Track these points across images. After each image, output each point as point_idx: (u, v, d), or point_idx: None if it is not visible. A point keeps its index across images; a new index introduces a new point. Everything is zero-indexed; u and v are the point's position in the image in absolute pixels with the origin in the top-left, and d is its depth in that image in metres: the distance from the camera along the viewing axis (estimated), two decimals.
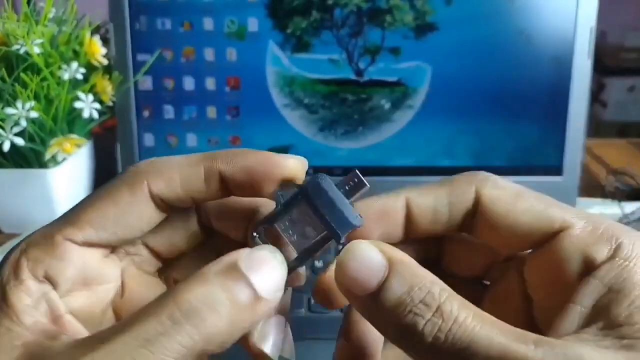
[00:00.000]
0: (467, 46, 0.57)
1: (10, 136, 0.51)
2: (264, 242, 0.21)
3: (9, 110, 0.51)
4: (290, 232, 0.21)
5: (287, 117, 0.58)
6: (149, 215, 0.21)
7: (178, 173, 0.21)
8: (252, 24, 0.57)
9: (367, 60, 0.57)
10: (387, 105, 0.58)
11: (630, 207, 0.60)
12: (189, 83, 0.58)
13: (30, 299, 0.19)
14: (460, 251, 0.24)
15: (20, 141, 0.52)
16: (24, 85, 0.52)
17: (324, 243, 0.21)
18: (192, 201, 0.21)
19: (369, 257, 0.19)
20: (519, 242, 0.21)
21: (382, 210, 0.22)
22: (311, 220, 0.21)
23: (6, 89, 0.52)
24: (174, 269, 0.25)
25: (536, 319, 0.22)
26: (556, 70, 0.57)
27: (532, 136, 0.58)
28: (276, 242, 0.21)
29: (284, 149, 0.58)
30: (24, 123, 0.51)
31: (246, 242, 0.23)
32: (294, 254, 0.21)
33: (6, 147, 0.51)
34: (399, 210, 0.22)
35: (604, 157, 0.80)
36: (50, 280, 0.20)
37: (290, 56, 0.57)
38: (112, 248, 0.22)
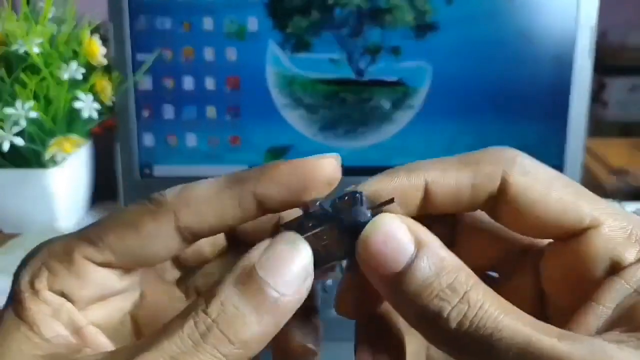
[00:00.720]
0: (468, 46, 0.57)
1: (10, 136, 0.51)
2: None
3: (9, 110, 0.51)
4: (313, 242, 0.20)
5: (287, 117, 0.58)
6: (174, 246, 0.20)
7: (209, 204, 0.19)
8: (252, 24, 0.56)
9: (368, 60, 0.57)
10: (387, 105, 0.58)
11: (631, 207, 0.59)
12: (188, 83, 0.58)
13: (50, 310, 0.19)
14: (473, 239, 0.23)
15: (19, 141, 0.52)
16: (24, 85, 0.51)
17: (340, 261, 0.20)
18: (228, 228, 0.20)
19: (397, 234, 0.18)
20: (543, 233, 0.21)
21: (397, 192, 0.21)
22: (334, 240, 0.20)
23: (5, 89, 0.52)
24: (196, 276, 0.24)
25: (549, 316, 0.21)
26: (557, 70, 0.57)
27: (532, 136, 0.58)
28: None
29: (284, 149, 0.58)
30: (23, 123, 0.51)
31: None
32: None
33: (6, 147, 0.51)
34: (416, 193, 0.21)
35: (605, 156, 0.80)
36: (67, 296, 0.19)
37: (290, 56, 0.57)
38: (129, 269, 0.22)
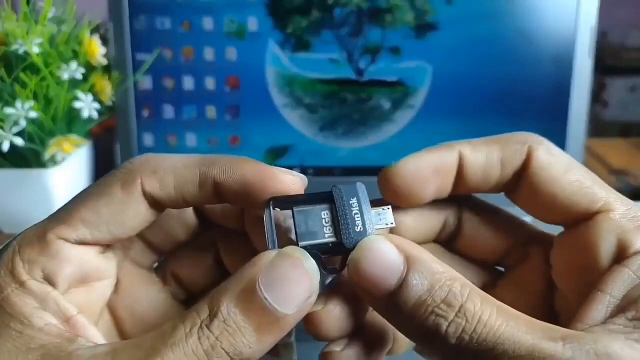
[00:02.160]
0: (468, 46, 0.57)
1: (10, 136, 0.51)
2: (273, 222, 0.20)
3: (8, 110, 0.51)
4: (302, 222, 0.20)
5: (287, 116, 0.58)
6: (143, 213, 0.20)
7: (172, 174, 0.20)
8: (252, 24, 0.56)
9: (368, 60, 0.57)
10: (387, 105, 0.58)
11: None
12: (188, 83, 0.57)
13: (36, 301, 0.19)
14: (479, 232, 0.23)
15: (19, 141, 0.52)
16: (23, 85, 0.51)
17: (332, 251, 0.20)
18: (184, 203, 0.21)
19: (385, 254, 0.18)
20: (558, 214, 0.21)
21: (437, 165, 0.21)
22: (327, 223, 0.20)
23: (5, 88, 0.52)
24: (171, 262, 0.24)
25: (557, 307, 0.21)
26: (557, 70, 0.57)
27: None
28: (280, 228, 0.20)
29: (283, 149, 0.58)
30: (23, 123, 0.51)
31: (243, 230, 0.23)
32: (295, 244, 0.20)
33: (5, 147, 0.51)
34: (452, 165, 0.21)
35: (605, 157, 0.80)
36: (48, 280, 0.19)
37: (290, 56, 0.57)
38: (107, 245, 0.22)
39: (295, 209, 0.20)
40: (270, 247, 0.19)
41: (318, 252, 0.19)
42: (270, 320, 0.17)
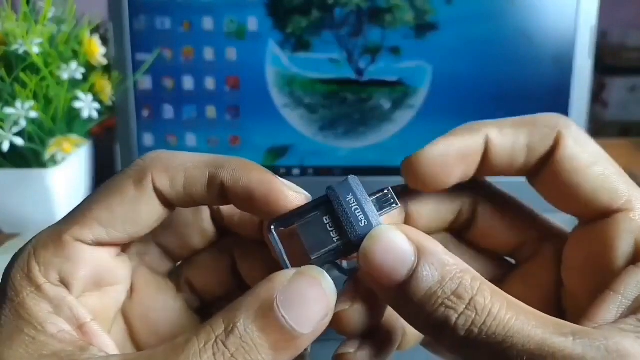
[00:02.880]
0: (468, 46, 0.57)
1: (10, 136, 0.51)
2: (280, 244, 0.20)
3: (8, 110, 0.51)
4: (308, 235, 0.20)
5: (287, 116, 0.58)
6: (156, 210, 0.20)
7: (183, 172, 0.20)
8: (252, 24, 0.56)
9: (368, 60, 0.57)
10: (387, 105, 0.58)
11: None
12: (188, 83, 0.57)
13: (51, 306, 0.18)
14: (493, 224, 0.23)
15: (19, 141, 0.52)
16: (23, 85, 0.51)
17: (345, 252, 0.20)
18: (192, 202, 0.21)
19: (396, 244, 0.18)
20: (577, 206, 0.21)
21: (463, 150, 0.21)
22: (331, 226, 0.20)
23: (5, 88, 0.52)
24: (186, 268, 0.24)
25: (564, 304, 0.21)
26: (557, 70, 0.57)
27: None
28: (292, 242, 0.20)
29: (284, 149, 0.58)
30: (23, 123, 0.51)
31: (261, 238, 0.23)
32: (308, 259, 0.20)
33: (5, 147, 0.51)
34: (478, 150, 0.21)
35: None
36: (63, 282, 0.19)
37: (290, 56, 0.57)
38: (123, 247, 0.22)
39: (298, 224, 0.20)
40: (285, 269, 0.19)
41: (332, 259, 0.19)
42: (287, 339, 0.17)
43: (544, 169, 0.21)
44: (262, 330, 0.17)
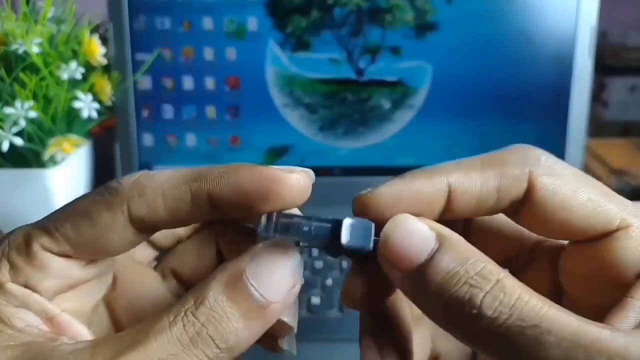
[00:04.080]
0: (468, 45, 0.56)
1: (9, 136, 0.51)
2: (269, 231, 0.18)
3: (8, 110, 0.51)
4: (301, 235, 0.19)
5: (287, 116, 0.58)
6: (129, 238, 0.19)
7: (162, 196, 0.18)
8: (252, 23, 0.56)
9: (368, 60, 0.57)
10: (387, 105, 0.58)
11: None
12: (188, 82, 0.57)
13: (18, 301, 0.18)
14: (484, 237, 0.22)
15: (19, 141, 0.52)
16: (23, 85, 0.51)
17: (322, 233, 0.19)
18: (180, 223, 0.19)
19: (417, 228, 0.18)
20: (570, 236, 0.20)
21: (417, 199, 0.19)
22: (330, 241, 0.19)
23: (5, 88, 0.52)
24: (171, 257, 0.24)
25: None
26: (557, 70, 0.57)
27: (533, 136, 0.58)
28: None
29: (283, 149, 0.58)
30: (22, 123, 0.51)
31: (245, 226, 0.22)
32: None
33: (5, 147, 0.51)
34: (438, 198, 0.19)
35: (605, 157, 0.80)
36: (30, 289, 0.19)
37: (290, 55, 0.57)
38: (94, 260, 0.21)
39: (297, 220, 0.19)
40: (263, 217, 0.19)
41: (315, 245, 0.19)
42: (257, 308, 0.17)
43: (523, 208, 0.20)
44: (232, 300, 0.17)
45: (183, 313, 0.17)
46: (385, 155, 0.59)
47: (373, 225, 0.19)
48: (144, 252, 0.24)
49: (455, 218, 0.20)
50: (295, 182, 0.19)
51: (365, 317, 0.21)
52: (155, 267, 0.24)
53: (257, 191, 0.18)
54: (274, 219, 0.18)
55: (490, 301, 0.16)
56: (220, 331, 0.17)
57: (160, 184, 0.19)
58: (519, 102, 0.57)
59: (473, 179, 0.19)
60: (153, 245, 0.24)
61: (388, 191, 0.19)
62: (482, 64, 0.57)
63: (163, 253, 0.24)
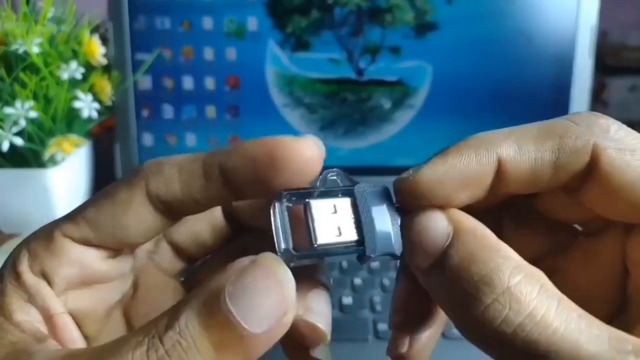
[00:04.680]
0: (468, 45, 0.56)
1: (9, 136, 0.51)
2: (282, 220, 0.17)
3: (8, 110, 0.51)
4: (321, 218, 0.17)
5: (287, 116, 0.58)
6: (147, 218, 0.18)
7: (177, 171, 0.18)
8: (252, 23, 0.56)
9: (368, 60, 0.57)
10: (387, 105, 0.58)
11: None
12: (188, 82, 0.57)
13: (27, 295, 0.18)
14: (558, 196, 0.20)
15: (19, 141, 0.52)
16: (23, 85, 0.51)
17: (351, 254, 0.18)
18: (194, 202, 0.18)
19: (433, 221, 0.17)
20: (635, 218, 0.17)
21: (467, 176, 0.17)
22: (347, 220, 0.17)
23: (5, 88, 0.52)
24: (197, 268, 0.23)
25: (630, 292, 0.19)
26: (557, 70, 0.56)
27: None
28: (297, 223, 0.17)
29: None
30: (23, 123, 0.51)
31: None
32: (310, 245, 0.17)
33: (5, 146, 0.51)
34: (488, 175, 0.17)
35: None
36: (45, 277, 0.19)
37: (290, 55, 0.57)
38: (114, 252, 0.20)
39: (311, 200, 0.17)
40: (281, 247, 0.17)
41: (335, 253, 0.17)
42: (234, 338, 0.15)
43: (585, 185, 0.17)
44: (205, 326, 0.15)
45: (152, 335, 0.15)
46: (386, 155, 0.58)
47: (398, 225, 0.18)
48: (172, 264, 0.23)
49: (505, 194, 0.18)
50: (305, 149, 0.17)
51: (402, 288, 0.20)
52: (182, 279, 0.23)
53: (265, 157, 0.17)
54: (284, 197, 0.17)
55: (492, 316, 0.14)
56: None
57: (177, 161, 0.18)
58: (519, 102, 0.57)
59: (526, 152, 0.17)
60: (180, 255, 0.23)
61: (432, 175, 0.17)
62: (482, 64, 0.57)
63: (190, 266, 0.23)
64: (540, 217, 0.21)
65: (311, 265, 0.19)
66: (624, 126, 0.17)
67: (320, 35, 0.56)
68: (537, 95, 0.57)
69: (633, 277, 0.19)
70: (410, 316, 0.20)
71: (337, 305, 0.46)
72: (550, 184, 0.18)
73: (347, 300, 0.45)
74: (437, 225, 0.17)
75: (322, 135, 0.58)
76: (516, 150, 0.17)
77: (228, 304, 0.15)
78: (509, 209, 0.21)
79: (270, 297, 0.15)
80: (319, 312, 0.19)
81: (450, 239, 0.16)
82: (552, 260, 0.21)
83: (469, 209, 0.18)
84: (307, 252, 0.17)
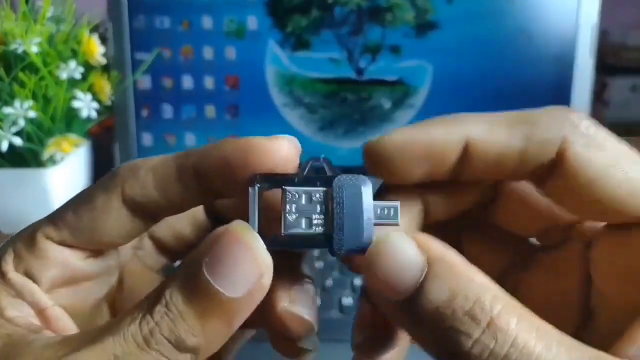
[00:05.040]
0: (468, 45, 0.56)
1: (9, 136, 0.51)
2: (258, 201, 0.17)
3: (7, 110, 0.51)
4: (292, 205, 0.17)
5: (287, 116, 0.58)
6: (126, 222, 0.19)
7: (151, 173, 0.18)
8: (252, 23, 0.56)
9: (368, 59, 0.57)
10: (387, 105, 0.58)
11: None
12: (187, 82, 0.57)
13: (14, 291, 0.18)
14: (516, 206, 0.20)
15: (18, 141, 0.52)
16: (22, 85, 0.51)
17: (318, 246, 0.17)
18: (171, 206, 0.19)
19: (404, 252, 0.15)
20: (600, 217, 0.18)
21: (428, 148, 0.17)
22: (319, 212, 0.17)
23: (4, 88, 0.52)
24: (180, 263, 0.24)
25: (593, 303, 0.19)
26: (558, 69, 0.56)
27: None
28: (271, 207, 0.18)
29: None
30: (22, 122, 0.51)
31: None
32: (279, 231, 0.17)
33: (4, 146, 0.51)
34: (452, 151, 0.17)
35: None
36: (30, 278, 0.19)
37: (290, 55, 0.57)
38: (96, 252, 0.21)
39: (286, 188, 0.17)
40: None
41: (301, 245, 0.17)
42: (216, 305, 0.16)
43: (550, 178, 0.18)
44: (188, 297, 0.16)
45: (142, 310, 0.16)
46: None
47: (372, 222, 0.17)
48: (156, 259, 0.23)
49: (469, 180, 0.18)
50: (280, 149, 0.17)
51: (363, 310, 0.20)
52: (166, 277, 0.23)
53: (238, 159, 0.17)
54: (257, 179, 0.17)
55: (479, 350, 0.14)
56: (174, 332, 0.15)
57: (151, 164, 0.19)
58: (519, 101, 0.57)
59: (496, 135, 0.17)
60: (163, 251, 0.23)
61: (398, 139, 0.18)
62: (483, 64, 0.57)
63: (174, 259, 0.24)
64: (499, 231, 0.21)
65: (292, 256, 0.20)
66: (596, 123, 0.17)
67: (320, 35, 0.56)
68: (538, 95, 0.57)
69: (596, 286, 0.19)
70: (373, 337, 0.20)
71: (337, 306, 0.45)
72: (516, 173, 0.18)
73: (347, 300, 0.45)
74: (410, 259, 0.15)
75: (322, 135, 0.58)
76: (486, 131, 0.17)
77: (205, 273, 0.15)
78: (467, 225, 0.21)
79: (244, 262, 0.16)
80: (303, 303, 0.19)
81: (424, 272, 0.15)
82: (515, 277, 0.21)
83: (427, 227, 0.18)
84: (274, 239, 0.17)
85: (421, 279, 0.15)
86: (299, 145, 0.18)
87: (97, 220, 0.19)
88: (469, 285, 0.15)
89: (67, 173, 0.57)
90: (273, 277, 0.17)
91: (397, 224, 0.17)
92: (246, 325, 0.18)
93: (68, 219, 0.19)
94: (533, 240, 0.21)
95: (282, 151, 0.17)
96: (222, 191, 0.18)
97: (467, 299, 0.15)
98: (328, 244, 0.17)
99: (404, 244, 0.16)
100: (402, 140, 0.18)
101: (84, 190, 0.20)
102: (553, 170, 0.17)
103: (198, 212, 0.23)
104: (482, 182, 0.19)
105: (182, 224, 0.23)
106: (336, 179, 0.17)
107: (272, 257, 0.16)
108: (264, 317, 0.19)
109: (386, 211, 0.17)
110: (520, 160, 0.17)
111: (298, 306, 0.19)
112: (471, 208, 0.21)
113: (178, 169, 0.18)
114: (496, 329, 0.14)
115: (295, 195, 0.17)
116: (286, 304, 0.19)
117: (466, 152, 0.17)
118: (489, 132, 0.17)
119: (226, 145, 0.18)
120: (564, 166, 0.17)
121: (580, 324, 0.19)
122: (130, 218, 0.19)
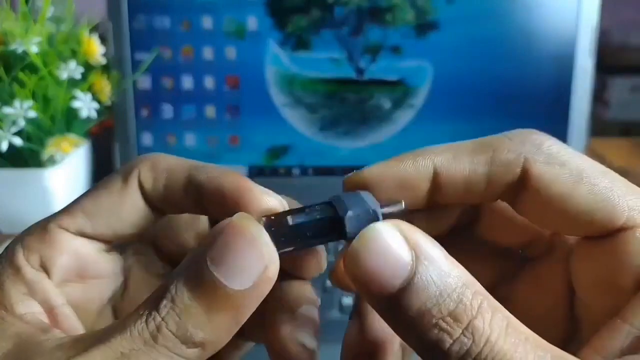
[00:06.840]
0: (469, 45, 0.56)
1: (8, 136, 0.51)
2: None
3: (7, 110, 0.51)
4: (292, 212, 0.18)
5: (287, 116, 0.58)
6: (140, 207, 0.20)
7: (166, 172, 0.20)
8: (252, 23, 0.56)
9: (368, 59, 0.57)
10: (387, 105, 0.58)
11: None
12: (187, 82, 0.57)
13: (26, 288, 0.19)
14: (499, 219, 0.21)
15: (18, 141, 0.52)
16: (22, 85, 0.51)
17: (324, 233, 0.17)
18: (172, 206, 0.20)
19: (392, 248, 0.15)
20: (570, 230, 0.18)
21: (401, 180, 0.19)
22: (323, 210, 0.17)
23: (4, 88, 0.52)
24: None
25: (577, 312, 0.19)
26: (558, 69, 0.56)
27: None
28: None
29: (283, 149, 0.58)
30: (21, 122, 0.51)
31: None
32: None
33: (4, 146, 0.51)
34: (423, 182, 0.19)
35: (607, 156, 0.79)
36: (44, 268, 0.19)
37: (290, 55, 0.57)
38: (110, 246, 0.21)
39: (288, 216, 0.18)
40: None
41: (311, 238, 0.18)
42: (222, 298, 0.16)
43: (519, 197, 0.18)
44: (194, 291, 0.16)
45: (149, 307, 0.16)
46: (386, 155, 0.58)
47: (375, 205, 0.17)
48: (156, 265, 0.23)
49: (446, 204, 0.19)
50: (265, 202, 0.18)
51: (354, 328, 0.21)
52: None
53: (234, 202, 0.18)
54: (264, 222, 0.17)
55: (458, 348, 0.15)
56: (181, 327, 0.16)
57: (168, 163, 0.20)
58: (519, 102, 0.57)
59: (461, 163, 0.18)
60: (165, 259, 0.23)
61: (373, 172, 0.19)
62: (483, 64, 0.57)
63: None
64: (484, 244, 0.22)
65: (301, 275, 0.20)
66: (559, 142, 0.18)
67: (321, 35, 0.56)
68: (538, 95, 0.57)
69: (579, 297, 0.19)
70: (362, 356, 0.20)
71: (337, 306, 0.45)
72: (486, 195, 0.19)
73: (347, 300, 0.45)
74: (397, 251, 0.15)
75: (322, 135, 0.58)
76: (451, 160, 0.18)
77: (210, 267, 0.16)
78: (453, 240, 0.21)
79: (248, 254, 0.16)
80: (307, 330, 0.19)
81: (413, 269, 0.15)
82: (504, 288, 0.21)
83: None
84: (279, 232, 0.17)
85: (410, 276, 0.15)
86: (286, 205, 0.19)
87: (115, 206, 0.20)
88: (454, 284, 0.15)
89: (67, 173, 0.57)
90: (279, 297, 0.17)
91: (402, 208, 0.18)
92: (249, 337, 0.19)
93: (85, 204, 0.20)
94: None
95: (269, 205, 0.18)
96: (217, 215, 0.19)
97: (451, 299, 0.15)
98: (338, 229, 0.17)
99: (391, 238, 0.16)
100: (377, 174, 0.19)
101: (98, 183, 0.20)
102: (520, 190, 0.18)
103: (203, 223, 0.23)
104: (459, 206, 0.20)
105: (183, 232, 0.23)
106: (333, 197, 0.18)
107: (282, 275, 0.17)
108: (267, 337, 0.19)
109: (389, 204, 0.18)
110: (488, 184, 0.18)
111: (301, 333, 0.19)
112: (456, 225, 0.22)
113: (187, 179, 0.19)
114: (474, 328, 0.15)
115: (297, 213, 0.18)
116: (290, 329, 0.19)
117: (436, 182, 0.19)
118: (454, 161, 0.18)
119: (228, 178, 0.19)
120: (529, 185, 0.18)
121: (568, 335, 0.20)
122: (143, 204, 0.20)
